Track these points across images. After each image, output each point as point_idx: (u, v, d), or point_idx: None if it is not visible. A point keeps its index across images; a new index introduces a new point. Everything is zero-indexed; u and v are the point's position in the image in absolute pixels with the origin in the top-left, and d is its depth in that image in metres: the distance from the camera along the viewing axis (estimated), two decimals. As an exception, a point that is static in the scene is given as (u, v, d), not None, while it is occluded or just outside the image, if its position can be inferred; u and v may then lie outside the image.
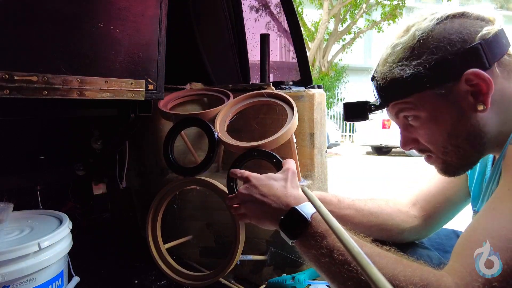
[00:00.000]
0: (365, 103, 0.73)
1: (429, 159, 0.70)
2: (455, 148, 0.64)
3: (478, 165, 0.76)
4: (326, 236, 0.60)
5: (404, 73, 0.61)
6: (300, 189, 0.73)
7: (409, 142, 0.70)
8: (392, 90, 0.65)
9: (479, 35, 0.59)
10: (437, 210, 0.85)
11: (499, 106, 0.61)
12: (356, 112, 0.74)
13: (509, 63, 0.61)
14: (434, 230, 0.90)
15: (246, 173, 0.78)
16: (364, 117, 0.73)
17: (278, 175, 0.77)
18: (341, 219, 0.65)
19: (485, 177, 0.73)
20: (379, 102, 0.70)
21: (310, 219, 0.63)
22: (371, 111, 0.72)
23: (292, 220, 0.65)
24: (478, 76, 0.58)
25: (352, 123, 12.50)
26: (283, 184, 0.73)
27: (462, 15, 0.62)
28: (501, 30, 0.61)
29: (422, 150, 0.70)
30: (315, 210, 0.64)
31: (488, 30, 0.59)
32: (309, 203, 0.66)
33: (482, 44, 0.58)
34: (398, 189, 4.46)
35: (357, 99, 0.74)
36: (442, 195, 0.85)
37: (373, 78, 0.70)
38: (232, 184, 0.95)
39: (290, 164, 0.81)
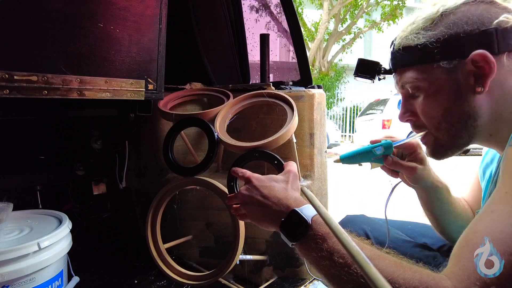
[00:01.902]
0: (377, 64, 0.77)
1: (423, 138, 0.73)
2: (448, 125, 0.66)
3: (488, 167, 0.77)
4: (327, 239, 0.59)
5: (418, 41, 0.64)
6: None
7: (408, 113, 0.72)
8: (403, 57, 0.68)
9: (496, 21, 0.60)
10: None
11: (496, 94, 0.63)
12: (366, 69, 0.78)
13: None
14: None
15: (248, 173, 0.78)
16: (371, 77, 0.78)
17: (280, 176, 0.76)
18: None
19: (492, 180, 0.73)
20: (389, 67, 0.74)
21: (310, 222, 0.63)
22: (380, 73, 0.77)
23: (292, 222, 0.65)
24: (484, 58, 0.60)
25: (352, 122, 12.52)
26: (284, 186, 0.72)
27: (490, 2, 0.64)
28: None
29: (416, 125, 0.72)
30: (315, 213, 0.63)
31: (507, 18, 0.60)
32: (310, 205, 0.65)
33: (498, 30, 0.60)
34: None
35: (373, 59, 0.79)
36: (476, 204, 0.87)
37: (391, 44, 0.72)
38: (232, 184, 0.95)
39: (292, 166, 0.80)
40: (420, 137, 0.74)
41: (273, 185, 0.73)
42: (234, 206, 0.80)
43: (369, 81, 0.79)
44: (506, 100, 0.63)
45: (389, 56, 0.73)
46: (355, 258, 0.49)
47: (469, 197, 0.91)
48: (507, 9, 0.63)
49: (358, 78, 0.80)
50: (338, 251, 0.57)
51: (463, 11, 0.63)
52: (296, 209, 0.65)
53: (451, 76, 0.63)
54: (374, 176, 5.80)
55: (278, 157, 0.94)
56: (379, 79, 0.79)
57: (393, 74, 0.73)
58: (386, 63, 0.78)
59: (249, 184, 0.75)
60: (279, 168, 0.92)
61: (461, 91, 0.63)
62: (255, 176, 0.75)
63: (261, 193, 0.71)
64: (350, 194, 4.43)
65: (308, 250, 0.62)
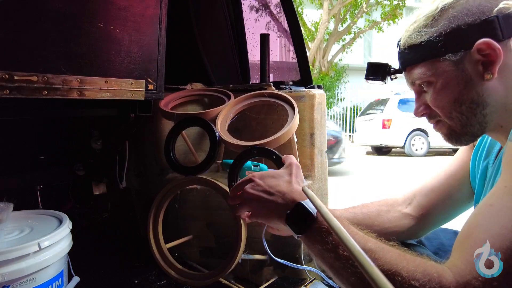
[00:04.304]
0: (386, 65, 0.80)
1: (436, 125, 0.74)
2: (459, 114, 0.67)
3: (481, 162, 0.77)
4: (332, 232, 0.60)
5: (421, 38, 0.66)
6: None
7: (422, 107, 0.74)
8: (409, 55, 0.69)
9: (497, 8, 0.61)
10: (436, 206, 0.86)
11: (505, 80, 0.63)
12: (376, 72, 0.81)
13: None
14: (432, 229, 0.91)
15: (249, 175, 0.77)
16: (382, 78, 0.80)
17: (282, 170, 0.76)
18: None
19: (487, 174, 0.74)
20: (398, 67, 0.75)
21: (315, 215, 0.63)
22: (390, 73, 0.79)
23: (297, 215, 0.65)
24: (489, 45, 0.60)
25: (352, 122, 12.53)
26: (288, 179, 0.72)
27: None
28: None
29: (431, 116, 0.74)
30: (322, 205, 0.64)
31: (508, 4, 0.61)
32: (316, 198, 0.66)
33: (499, 17, 0.60)
34: (398, 188, 4.43)
35: (373, 59, 0.80)
36: (443, 191, 0.85)
37: (398, 44, 0.74)
38: (233, 184, 0.95)
39: (292, 159, 0.80)
40: None
41: (277, 180, 0.72)
42: (237, 207, 0.78)
43: (381, 82, 0.80)
44: None
45: (397, 56, 0.74)
46: (355, 255, 0.50)
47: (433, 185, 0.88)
48: None
49: (370, 81, 0.82)
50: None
51: (462, 3, 0.64)
52: (302, 202, 0.65)
53: (459, 67, 0.64)
54: (374, 176, 5.81)
55: (276, 152, 0.95)
56: (391, 79, 0.81)
57: (403, 72, 0.74)
58: (390, 62, 0.80)
59: (253, 182, 0.74)
60: (278, 163, 0.93)
61: (470, 80, 0.64)
62: (257, 174, 0.75)
63: (265, 189, 0.71)
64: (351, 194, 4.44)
65: (313, 242, 0.63)
